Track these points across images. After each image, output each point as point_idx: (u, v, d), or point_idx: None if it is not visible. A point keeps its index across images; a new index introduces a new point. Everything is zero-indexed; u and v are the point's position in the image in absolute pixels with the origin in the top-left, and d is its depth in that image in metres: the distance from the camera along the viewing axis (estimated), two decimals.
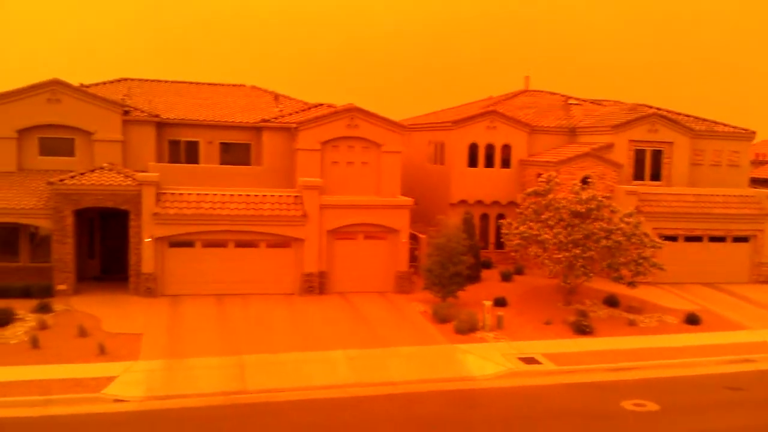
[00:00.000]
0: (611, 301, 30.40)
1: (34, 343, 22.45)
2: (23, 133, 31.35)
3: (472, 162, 38.93)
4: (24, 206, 28.84)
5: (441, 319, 27.13)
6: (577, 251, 28.04)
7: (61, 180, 28.76)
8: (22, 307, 26.01)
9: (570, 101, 45.34)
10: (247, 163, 35.70)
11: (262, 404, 19.22)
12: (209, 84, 40.78)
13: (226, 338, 24.22)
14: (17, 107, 31.08)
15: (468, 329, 25.85)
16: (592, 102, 45.89)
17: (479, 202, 38.80)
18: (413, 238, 33.75)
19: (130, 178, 29.55)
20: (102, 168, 30.08)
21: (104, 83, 37.57)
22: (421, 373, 21.76)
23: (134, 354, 22.21)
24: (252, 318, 26.87)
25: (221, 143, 35.53)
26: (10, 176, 30.64)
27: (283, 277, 30.71)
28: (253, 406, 19.07)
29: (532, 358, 23.37)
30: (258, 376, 20.84)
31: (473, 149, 38.91)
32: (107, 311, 26.74)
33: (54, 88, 31.46)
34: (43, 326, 24.22)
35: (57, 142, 31.85)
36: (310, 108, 37.07)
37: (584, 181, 34.11)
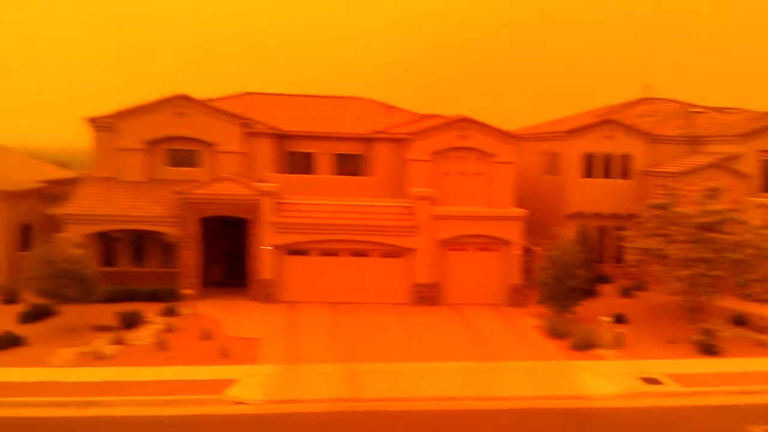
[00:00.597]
0: (740, 320, 28.68)
1: (161, 345, 23.65)
2: (152, 144, 33.21)
3: (588, 172, 37.88)
4: (152, 214, 30.53)
5: (556, 334, 26.47)
6: (703, 268, 26.62)
7: (187, 190, 30.24)
8: (150, 310, 27.52)
9: (692, 109, 43.31)
10: (359, 173, 36.29)
11: (375, 413, 19.38)
12: (325, 97, 41.80)
13: (340, 345, 24.62)
14: (146, 121, 32.98)
15: (584, 346, 25.07)
16: (716, 110, 43.61)
17: (596, 215, 37.66)
18: (527, 250, 33.15)
19: (250, 188, 30.68)
20: (224, 178, 31.39)
21: (227, 97, 39.28)
22: (536, 389, 21.28)
23: (253, 358, 22.98)
24: (365, 326, 27.20)
25: (335, 154, 36.32)
26: (140, 186, 32.51)
27: (394, 287, 30.93)
28: (366, 414, 19.27)
29: (654, 378, 22.35)
30: (371, 385, 21.04)
31: (589, 159, 37.87)
32: (228, 316, 27.83)
33: (180, 102, 33.17)
34: (169, 329, 25.49)
35: (183, 154, 33.55)
36: (421, 119, 37.26)
37: (709, 192, 32.43)
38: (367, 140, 36.12)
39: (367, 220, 30.61)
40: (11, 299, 29.14)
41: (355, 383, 21.12)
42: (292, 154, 36.11)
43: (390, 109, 40.16)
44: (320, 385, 20.90)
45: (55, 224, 33.57)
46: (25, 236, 33.57)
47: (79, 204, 30.85)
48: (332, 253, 30.76)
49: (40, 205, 35.49)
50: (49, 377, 20.88)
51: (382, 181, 34.59)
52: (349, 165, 36.52)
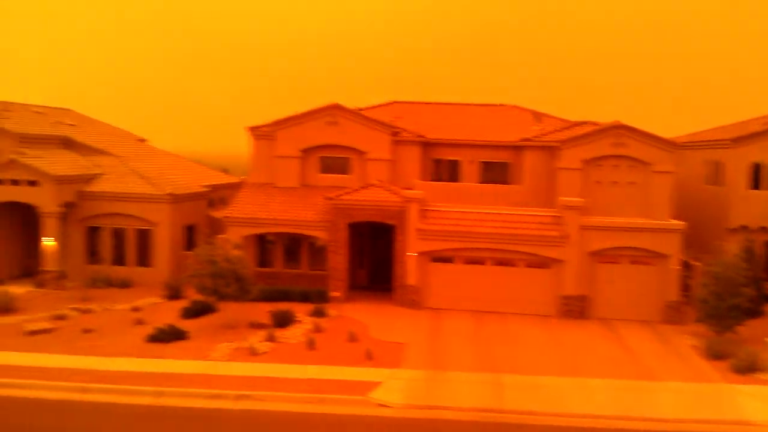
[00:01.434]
0: None
1: (310, 345, 24.53)
2: (306, 152, 34.59)
3: (755, 184, 35.16)
4: (305, 219, 31.79)
5: (715, 355, 24.76)
6: None
7: (338, 196, 31.24)
8: (300, 311, 28.65)
9: None
10: (506, 182, 35.86)
11: (519, 425, 19.02)
12: (471, 105, 41.71)
13: (483, 355, 24.41)
14: (302, 129, 34.41)
15: (747, 369, 23.27)
16: None
17: (763, 229, 34.89)
18: (685, 265, 31.30)
19: (397, 195, 31.17)
20: (372, 185, 32.11)
21: (376, 106, 40.21)
22: (693, 412, 20.00)
23: (398, 362, 23.29)
24: (509, 337, 26.80)
25: (481, 162, 36.13)
26: (294, 191, 33.95)
27: (540, 298, 30.26)
28: (509, 426, 18.95)
29: None
30: (515, 396, 20.67)
31: (756, 169, 35.15)
32: (374, 319, 28.41)
33: (333, 111, 34.33)
34: (318, 329, 26.41)
35: (334, 161, 34.70)
36: (571, 126, 36.22)
37: None
38: (515, 148, 35.64)
39: (513, 229, 30.17)
40: (176, 295, 31.37)
41: (498, 394, 20.85)
42: (437, 161, 36.33)
43: (538, 116, 39.39)
44: (463, 393, 20.81)
45: (216, 226, 35.83)
46: (189, 237, 36.06)
47: (238, 208, 32.72)
48: (477, 262, 30.59)
49: (204, 207, 38.00)
50: (208, 370, 22.26)
51: (529, 190, 33.98)
52: (495, 173, 36.21)
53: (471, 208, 31.49)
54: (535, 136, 35.18)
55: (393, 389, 20.95)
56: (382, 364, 22.97)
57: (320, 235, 31.91)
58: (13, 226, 34.95)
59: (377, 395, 20.45)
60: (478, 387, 21.33)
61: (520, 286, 30.37)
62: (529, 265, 30.44)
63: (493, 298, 30.37)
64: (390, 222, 31.09)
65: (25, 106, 42.35)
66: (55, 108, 45.66)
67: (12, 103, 41.59)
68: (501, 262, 30.55)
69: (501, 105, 41.78)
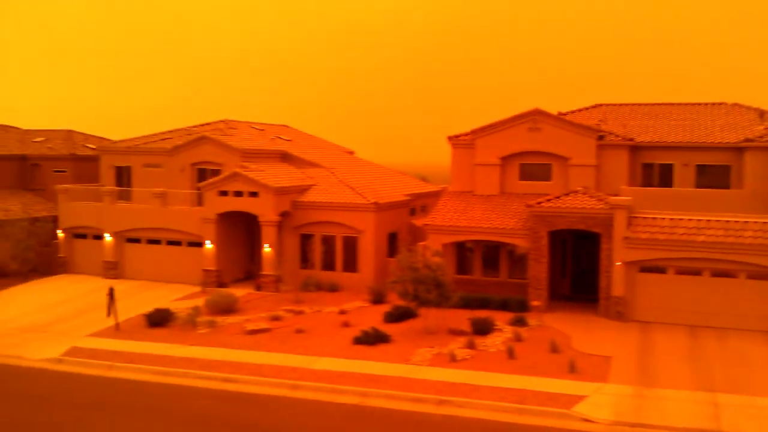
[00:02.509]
0: None
1: (510, 354, 24.18)
2: (506, 159, 34.30)
3: None
4: (504, 226, 31.49)
5: None
6: None
7: (538, 203, 30.59)
8: (499, 319, 28.37)
9: None
10: (725, 186, 33.00)
11: None
12: (685, 104, 38.96)
13: (698, 372, 22.57)
14: (502, 137, 34.17)
15: None
16: None
17: None
18: None
19: (602, 202, 29.88)
20: (575, 192, 31.05)
21: (580, 110, 38.91)
22: None
23: (603, 376, 22.23)
24: (729, 354, 24.54)
25: (697, 165, 33.58)
26: (494, 199, 33.78)
27: (765, 313, 27.38)
28: None
29: None
30: (734, 419, 18.85)
31: None
32: (577, 330, 27.39)
33: (535, 117, 33.72)
34: (518, 338, 25.97)
35: (535, 168, 34.05)
36: None
37: None
38: (736, 149, 32.69)
39: (734, 238, 27.64)
40: (379, 300, 32.46)
41: (714, 415, 19.14)
42: (646, 166, 34.32)
43: (764, 114, 35.82)
44: (675, 412, 19.36)
45: (417, 233, 36.64)
46: (392, 244, 37.19)
47: (439, 216, 33.21)
48: (692, 272, 28.39)
49: (406, 216, 39.04)
50: (410, 374, 22.74)
51: (751, 195, 30.95)
52: (713, 177, 33.46)
53: (686, 215, 29.30)
54: (760, 137, 32.04)
55: (598, 404, 20.01)
56: (586, 378, 22.05)
57: (520, 243, 31.43)
58: (237, 233, 38.23)
59: (581, 409, 19.65)
60: (691, 406, 19.74)
61: (742, 299, 27.71)
62: (753, 277, 27.69)
63: (711, 312, 27.99)
64: (594, 230, 29.85)
65: (247, 124, 46.30)
66: (274, 125, 49.45)
67: (237, 122, 45.66)
68: (720, 273, 28.10)
69: (720, 103, 38.59)
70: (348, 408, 20.62)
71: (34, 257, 38.75)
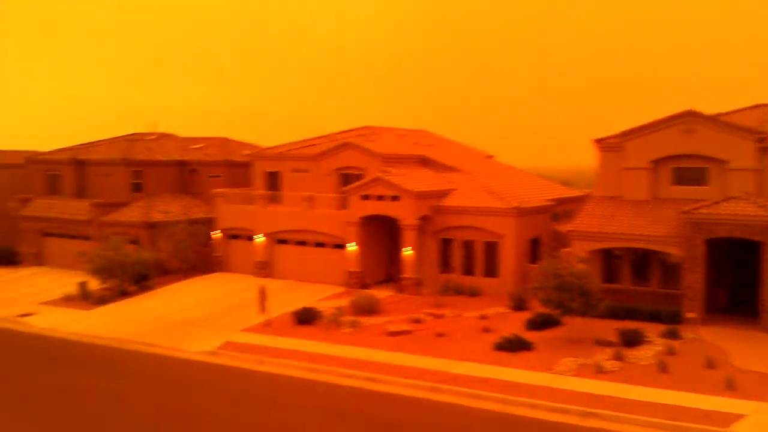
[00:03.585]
0: None
1: (661, 367, 23.00)
2: (657, 163, 32.69)
3: None
4: (655, 233, 30.03)
5: None
6: None
7: (693, 209, 28.92)
8: (650, 331, 27.05)
9: None
10: None
11: None
12: None
13: None
14: (653, 139, 32.60)
15: None
16: None
17: None
18: None
19: (763, 209, 27.80)
20: (734, 197, 29.09)
21: (738, 111, 36.42)
22: None
23: (765, 395, 20.65)
24: None
25: None
26: (643, 205, 32.30)
27: None
28: None
29: None
30: None
31: None
32: (735, 345, 25.61)
33: (689, 118, 31.92)
34: (670, 352, 24.65)
35: (689, 172, 32.21)
36: None
37: None
38: None
39: None
40: (520, 306, 31.94)
41: None
42: None
43: None
44: None
45: (560, 239, 35.74)
46: (533, 249, 36.49)
47: (583, 221, 32.21)
48: None
49: (548, 221, 38.19)
50: (552, 383, 22.21)
51: None
52: None
53: None
54: None
55: (759, 424, 18.61)
56: (745, 396, 20.57)
57: (673, 251, 29.83)
58: (378, 236, 38.98)
59: (740, 429, 18.37)
60: None
61: None
62: None
63: None
64: (756, 239, 27.80)
65: (389, 130, 47.15)
66: (414, 130, 50.02)
67: (379, 127, 46.62)
68: None
69: None
70: (489, 414, 20.46)
71: (193, 256, 41.43)
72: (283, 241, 41.17)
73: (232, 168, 48.67)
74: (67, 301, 36.91)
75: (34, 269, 46.35)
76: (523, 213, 35.64)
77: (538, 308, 29.35)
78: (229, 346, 28.08)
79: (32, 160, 51.02)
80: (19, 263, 47.93)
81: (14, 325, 33.29)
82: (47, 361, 27.57)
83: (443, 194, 37.84)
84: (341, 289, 37.00)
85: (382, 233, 39.06)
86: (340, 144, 41.34)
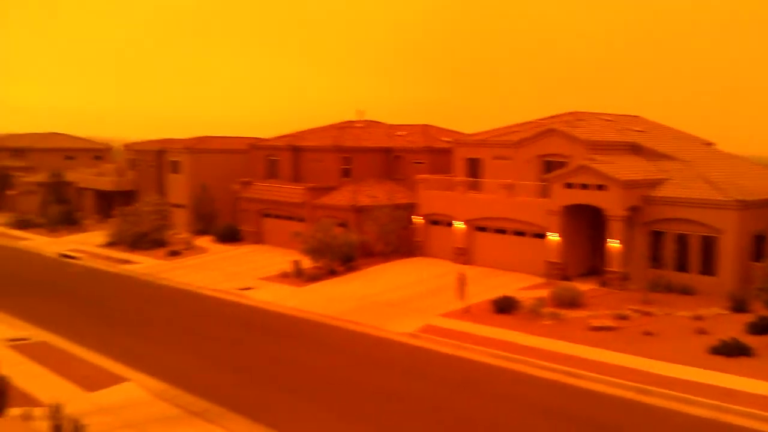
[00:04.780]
0: None
1: None
2: None
3: None
4: None
5: None
6: None
7: None
8: None
9: None
10: None
11: None
12: None
13: None
14: None
15: None
16: None
17: None
18: None
19: None
20: None
21: None
22: None
23: None
24: None
25: None
26: None
27: None
28: None
29: None
30: None
31: None
32: None
33: None
34: None
35: None
36: None
37: None
38: None
39: None
40: (740, 308, 29.36)
41: None
42: None
43: None
44: None
45: None
46: (758, 246, 33.33)
47: None
48: None
49: None
50: None
51: None
52: None
53: None
54: None
55: None
56: None
57: None
58: (581, 227, 37.68)
59: None
60: None
61: None
62: None
63: None
64: None
65: (595, 115, 45.30)
66: (625, 115, 47.62)
67: (585, 113, 44.97)
68: None
69: None
70: (702, 421, 19.16)
71: (396, 240, 42.81)
72: (482, 228, 41.19)
73: (434, 154, 49.46)
74: (283, 277, 39.77)
75: (254, 247, 50.44)
76: (746, 206, 32.64)
77: (761, 311, 26.86)
78: (428, 329, 28.74)
79: (254, 146, 55.45)
80: (240, 240, 52.37)
81: (236, 297, 36.52)
82: (264, 333, 30.00)
83: (655, 184, 35.69)
84: (541, 280, 36.32)
85: (586, 224, 37.71)
86: (543, 130, 40.43)
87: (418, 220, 44.33)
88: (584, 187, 35.63)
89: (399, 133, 54.47)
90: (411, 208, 44.76)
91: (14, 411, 15.36)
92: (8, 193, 74.43)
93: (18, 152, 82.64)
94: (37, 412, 17.37)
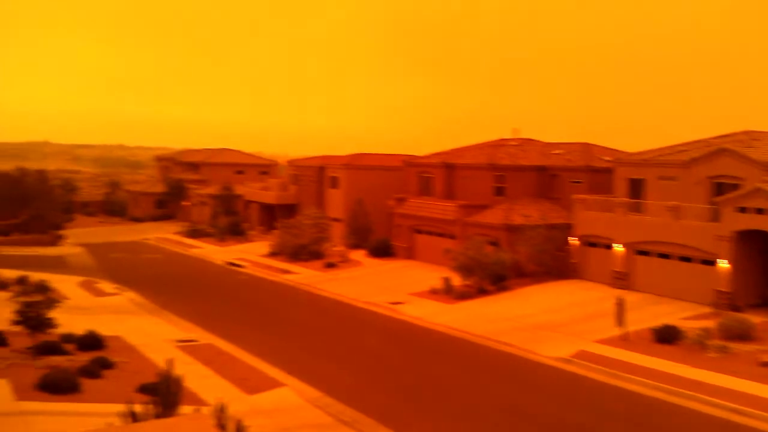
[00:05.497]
0: None
1: None
2: None
3: None
4: None
5: None
6: None
7: None
8: None
9: None
10: None
11: None
12: None
13: None
14: None
15: None
16: None
17: None
18: None
19: None
20: None
21: None
22: None
23: None
24: None
25: None
26: None
27: None
28: None
29: None
30: None
31: None
32: None
33: None
34: None
35: None
36: None
37: None
38: None
39: None
40: None
41: None
42: None
43: None
44: None
45: None
46: None
47: None
48: None
49: None
50: None
51: None
52: None
53: None
54: None
55: None
56: None
57: None
58: (753, 254, 34.87)
59: None
60: None
61: None
62: None
63: None
64: None
65: None
66: None
67: (758, 132, 41.76)
68: None
69: None
70: None
71: (549, 261, 41.75)
72: (643, 252, 39.21)
73: (592, 174, 47.86)
74: (433, 294, 39.98)
75: (405, 262, 51.15)
76: None
77: None
78: (583, 355, 27.71)
79: (408, 163, 56.39)
80: (392, 255, 53.31)
81: (387, 311, 37.16)
82: (414, 348, 30.27)
83: None
84: (707, 309, 33.93)
85: (760, 251, 34.86)
86: (714, 150, 37.90)
87: (573, 241, 43.02)
88: (759, 211, 33.02)
89: (556, 151, 53.27)
90: (566, 229, 43.54)
91: (185, 409, 16.48)
92: (183, 204, 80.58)
93: (193, 166, 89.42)
94: (205, 411, 18.55)
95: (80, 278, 45.10)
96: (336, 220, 59.75)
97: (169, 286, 44.32)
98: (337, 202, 61.30)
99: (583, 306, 35.98)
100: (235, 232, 66.80)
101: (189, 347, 28.27)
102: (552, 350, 28.57)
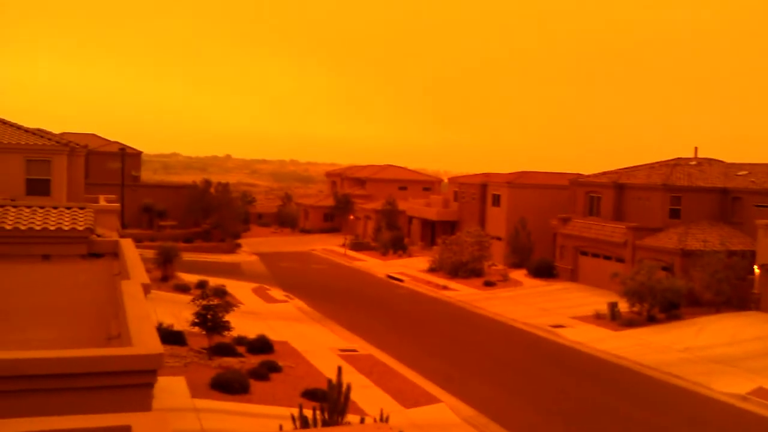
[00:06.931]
0: None
1: None
2: None
3: None
4: None
5: None
6: None
7: None
8: None
9: None
10: None
11: None
12: None
13: None
14: None
15: None
16: None
17: None
18: None
19: None
20: None
21: None
22: None
23: None
24: None
25: None
26: None
27: None
28: None
29: None
30: None
31: None
32: None
33: None
34: None
35: None
36: None
37: None
38: None
39: None
40: None
41: None
42: None
43: None
44: None
45: None
46: None
47: None
48: None
49: None
50: None
51: None
52: None
53: None
54: None
55: None
56: None
57: None
58: None
59: None
60: None
61: None
62: None
63: None
64: None
65: None
66: None
67: None
68: None
69: None
70: None
71: (727, 289, 38.71)
72: None
73: None
74: (596, 318, 38.39)
75: (567, 284, 49.56)
76: None
77: None
78: (761, 393, 25.39)
79: (575, 182, 54.72)
80: (554, 277, 51.86)
81: (547, 334, 36.15)
82: (575, 374, 29.21)
83: None
84: None
85: None
86: None
87: (757, 269, 39.63)
88: None
89: (740, 172, 49.47)
90: (748, 256, 40.22)
91: (351, 418, 16.89)
92: (349, 217, 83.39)
93: (359, 182, 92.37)
94: (368, 420, 18.95)
95: (254, 285, 47.87)
96: (496, 238, 59.18)
97: (333, 296, 45.94)
98: (498, 220, 60.73)
99: (764, 340, 32.98)
100: (396, 246, 68.07)
101: (350, 356, 29.09)
102: (728, 386, 26.42)
